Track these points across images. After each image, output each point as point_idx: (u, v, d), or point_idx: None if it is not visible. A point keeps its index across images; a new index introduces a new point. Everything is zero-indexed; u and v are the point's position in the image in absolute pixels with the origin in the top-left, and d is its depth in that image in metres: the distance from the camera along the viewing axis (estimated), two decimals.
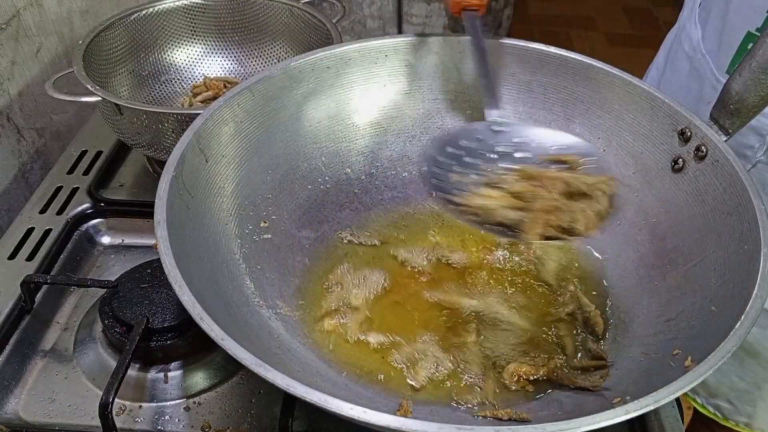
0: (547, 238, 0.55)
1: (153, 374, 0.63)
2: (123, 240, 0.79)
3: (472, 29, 0.65)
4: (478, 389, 0.56)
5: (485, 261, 0.67)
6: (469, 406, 0.54)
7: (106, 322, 0.63)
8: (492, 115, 0.62)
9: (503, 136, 0.61)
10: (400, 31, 1.21)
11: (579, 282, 0.64)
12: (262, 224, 0.64)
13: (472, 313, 0.62)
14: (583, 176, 0.58)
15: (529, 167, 0.59)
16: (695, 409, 0.97)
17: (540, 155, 0.60)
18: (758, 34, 0.68)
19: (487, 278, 0.65)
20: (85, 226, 0.79)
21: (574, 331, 0.60)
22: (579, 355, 0.58)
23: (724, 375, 0.84)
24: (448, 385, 0.56)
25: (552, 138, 0.62)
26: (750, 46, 0.69)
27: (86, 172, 0.86)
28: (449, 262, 0.66)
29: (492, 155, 0.60)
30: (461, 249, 0.68)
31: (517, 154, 0.60)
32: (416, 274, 0.65)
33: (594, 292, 0.63)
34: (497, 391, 0.56)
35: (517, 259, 0.67)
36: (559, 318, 0.61)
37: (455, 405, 0.54)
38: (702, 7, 0.79)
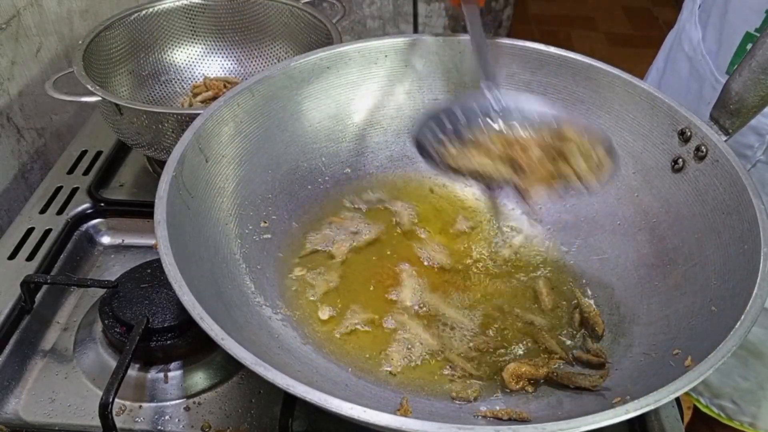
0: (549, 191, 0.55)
1: (153, 374, 0.63)
2: (123, 240, 0.79)
3: (472, 22, 0.65)
4: (472, 382, 0.56)
5: (474, 259, 0.67)
6: (469, 401, 0.54)
7: (106, 322, 0.63)
8: (487, 86, 0.62)
9: (497, 103, 0.61)
10: (415, 30, 1.21)
11: (577, 282, 0.64)
12: (262, 224, 0.64)
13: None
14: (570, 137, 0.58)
15: (514, 130, 0.59)
16: (695, 409, 0.97)
17: (532, 121, 0.60)
18: (757, 34, 0.68)
19: (472, 276, 0.66)
20: (85, 226, 0.79)
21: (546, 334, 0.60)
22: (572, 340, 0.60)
23: (728, 375, 0.84)
24: (441, 376, 0.57)
25: (544, 107, 0.61)
26: (749, 46, 0.69)
27: (86, 172, 0.86)
28: (440, 264, 0.67)
29: (485, 119, 0.60)
30: (453, 250, 0.68)
31: (511, 119, 0.60)
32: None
33: (593, 292, 0.64)
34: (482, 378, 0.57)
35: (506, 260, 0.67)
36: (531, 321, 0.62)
37: (455, 403, 0.54)
38: (702, 9, 0.79)
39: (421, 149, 0.59)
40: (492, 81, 0.62)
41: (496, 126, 0.59)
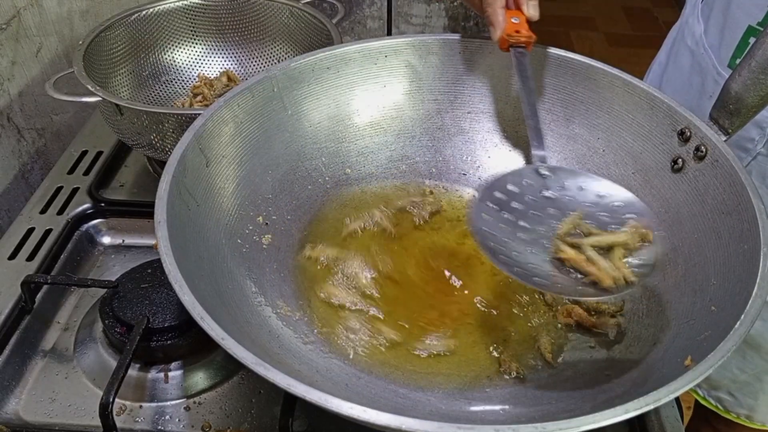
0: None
1: (153, 374, 0.63)
2: (123, 240, 0.79)
3: (520, 67, 0.63)
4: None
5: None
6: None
7: (106, 322, 0.63)
8: (539, 157, 0.60)
9: (550, 181, 0.59)
10: (389, 32, 1.22)
11: None
12: (262, 224, 0.64)
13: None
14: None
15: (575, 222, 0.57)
16: (695, 406, 0.97)
17: (585, 204, 0.58)
18: (759, 28, 0.68)
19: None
20: (85, 226, 0.79)
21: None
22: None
23: (726, 367, 0.84)
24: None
25: (602, 188, 0.59)
26: (751, 39, 0.69)
27: (86, 173, 0.86)
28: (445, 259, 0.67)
29: (539, 200, 0.58)
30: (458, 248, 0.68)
31: (565, 199, 0.58)
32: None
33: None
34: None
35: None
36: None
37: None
38: (705, 3, 0.79)
39: (486, 248, 0.54)
40: (542, 147, 0.60)
41: (549, 205, 0.57)
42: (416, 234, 0.69)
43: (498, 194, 0.57)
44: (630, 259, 0.54)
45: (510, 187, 0.58)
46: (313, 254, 0.64)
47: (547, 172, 0.60)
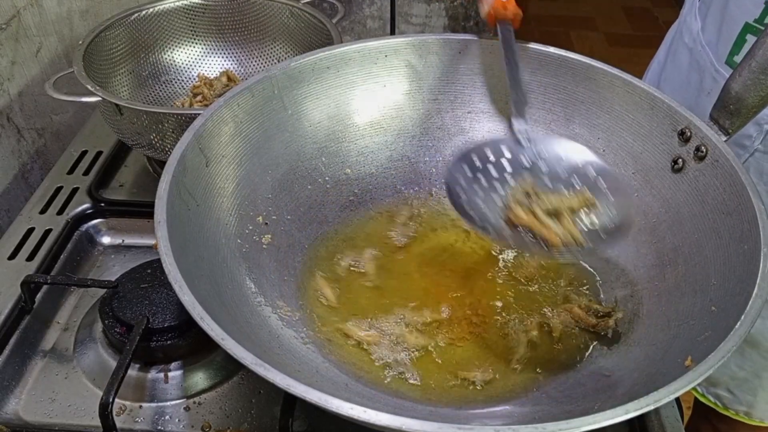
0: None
1: (153, 374, 0.63)
2: (123, 240, 0.79)
3: (506, 41, 0.65)
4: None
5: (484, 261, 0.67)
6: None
7: (106, 322, 0.63)
8: (518, 125, 0.63)
9: (529, 150, 0.62)
10: (392, 32, 1.22)
11: (577, 283, 0.64)
12: (262, 224, 0.64)
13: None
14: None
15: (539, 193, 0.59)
16: (694, 404, 0.97)
17: (562, 172, 0.61)
18: (756, 25, 0.69)
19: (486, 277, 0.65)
20: (85, 226, 0.79)
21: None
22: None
23: (724, 364, 0.84)
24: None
25: (577, 155, 0.62)
26: (748, 36, 0.69)
27: (86, 173, 0.86)
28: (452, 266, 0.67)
29: (516, 167, 0.61)
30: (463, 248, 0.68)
31: (542, 166, 0.61)
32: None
33: (592, 293, 0.64)
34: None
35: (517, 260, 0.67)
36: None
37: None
38: (702, 1, 0.79)
39: (453, 199, 0.58)
40: (523, 118, 0.62)
41: (522, 185, 0.59)
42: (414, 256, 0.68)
43: (477, 161, 0.60)
44: (595, 220, 0.57)
45: (490, 155, 0.61)
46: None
47: (526, 142, 0.62)
